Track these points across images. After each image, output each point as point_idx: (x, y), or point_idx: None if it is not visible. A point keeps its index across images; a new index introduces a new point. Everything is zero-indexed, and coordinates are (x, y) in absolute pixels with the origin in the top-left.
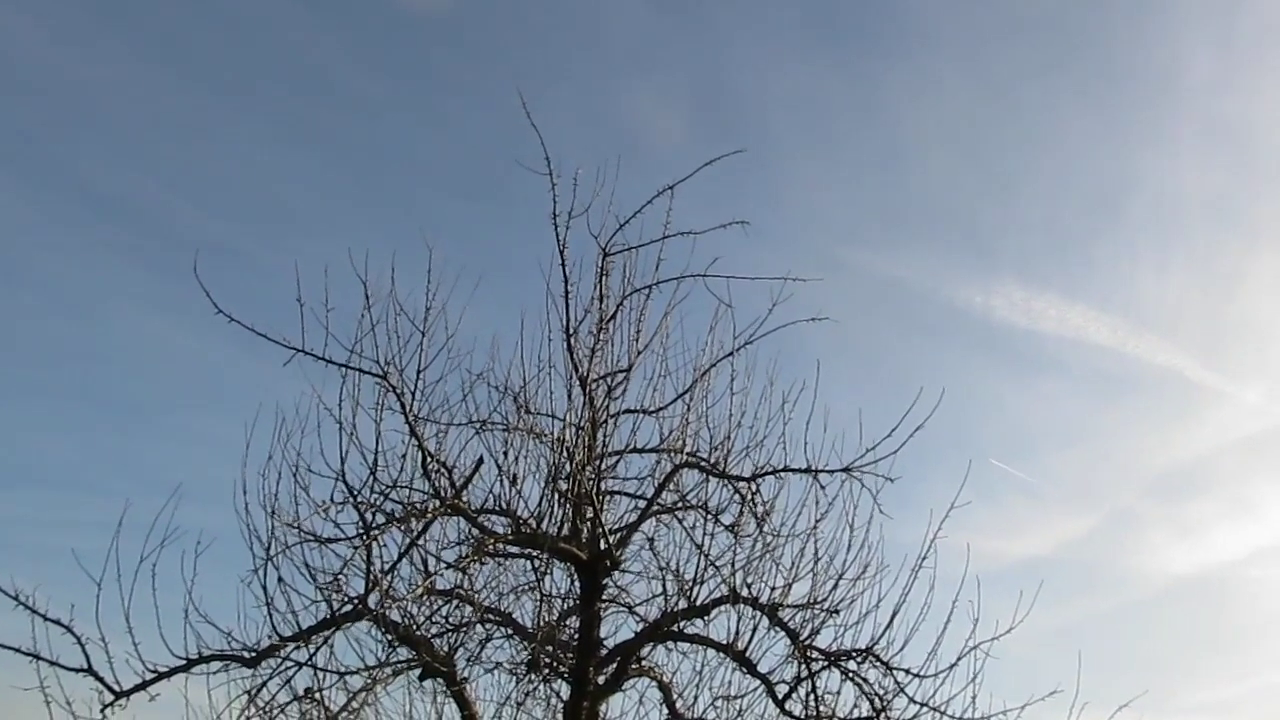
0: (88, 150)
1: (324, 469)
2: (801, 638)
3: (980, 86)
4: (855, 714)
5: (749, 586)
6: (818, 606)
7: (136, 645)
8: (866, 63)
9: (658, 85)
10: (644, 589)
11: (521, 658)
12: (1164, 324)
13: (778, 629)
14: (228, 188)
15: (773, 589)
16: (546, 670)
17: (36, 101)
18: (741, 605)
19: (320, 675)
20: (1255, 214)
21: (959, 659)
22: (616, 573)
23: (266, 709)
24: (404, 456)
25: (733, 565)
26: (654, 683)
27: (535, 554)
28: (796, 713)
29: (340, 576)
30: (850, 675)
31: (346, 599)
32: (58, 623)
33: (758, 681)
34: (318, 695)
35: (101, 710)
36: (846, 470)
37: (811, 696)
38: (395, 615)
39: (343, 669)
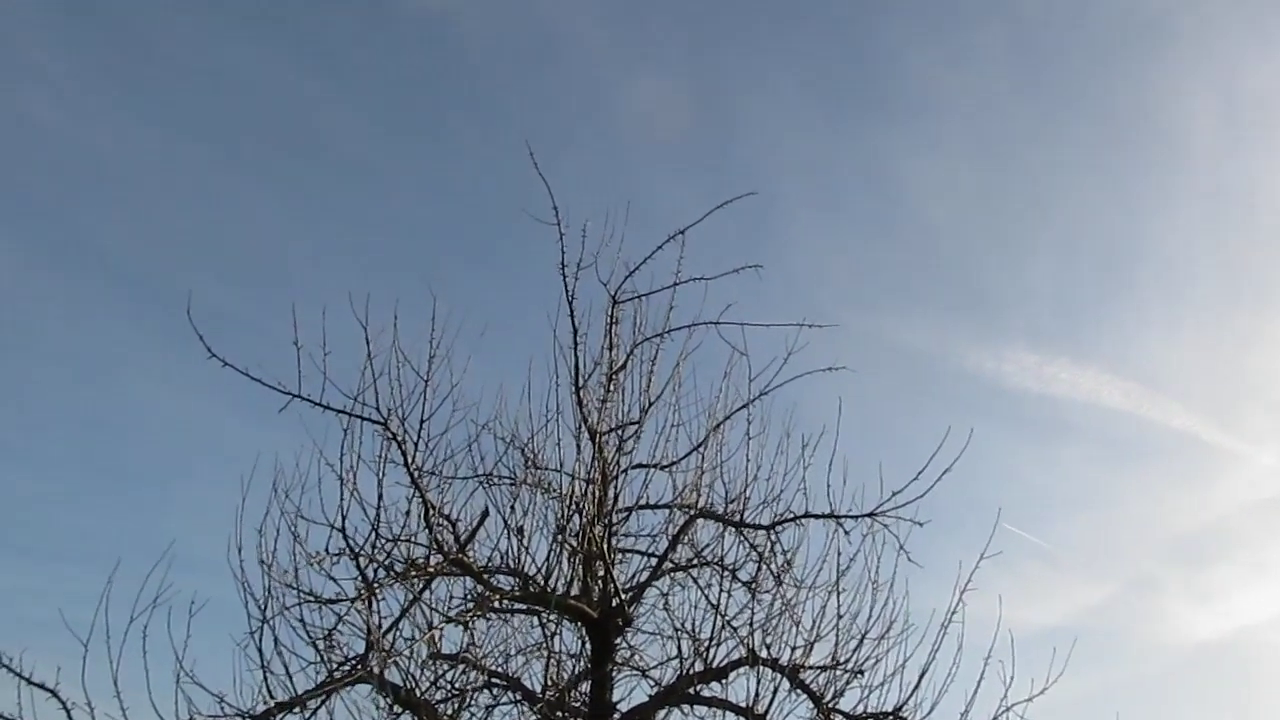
0: (101, 218)
1: (323, 525)
2: (825, 700)
3: (985, 150)
4: None
5: (768, 647)
6: (841, 667)
7: (125, 710)
8: (871, 126)
9: (664, 149)
10: (657, 651)
11: None
12: (1177, 387)
13: (799, 691)
14: (238, 257)
15: (794, 649)
16: None
17: (52, 171)
18: (761, 667)
19: None
20: (1265, 276)
21: None
22: (629, 633)
23: None
24: (407, 513)
25: (751, 625)
26: None
27: (543, 613)
28: None
29: (336, 633)
30: None
31: (345, 660)
32: (42, 686)
33: None
34: None
35: None
36: (871, 515)
37: None
38: (396, 678)
39: None
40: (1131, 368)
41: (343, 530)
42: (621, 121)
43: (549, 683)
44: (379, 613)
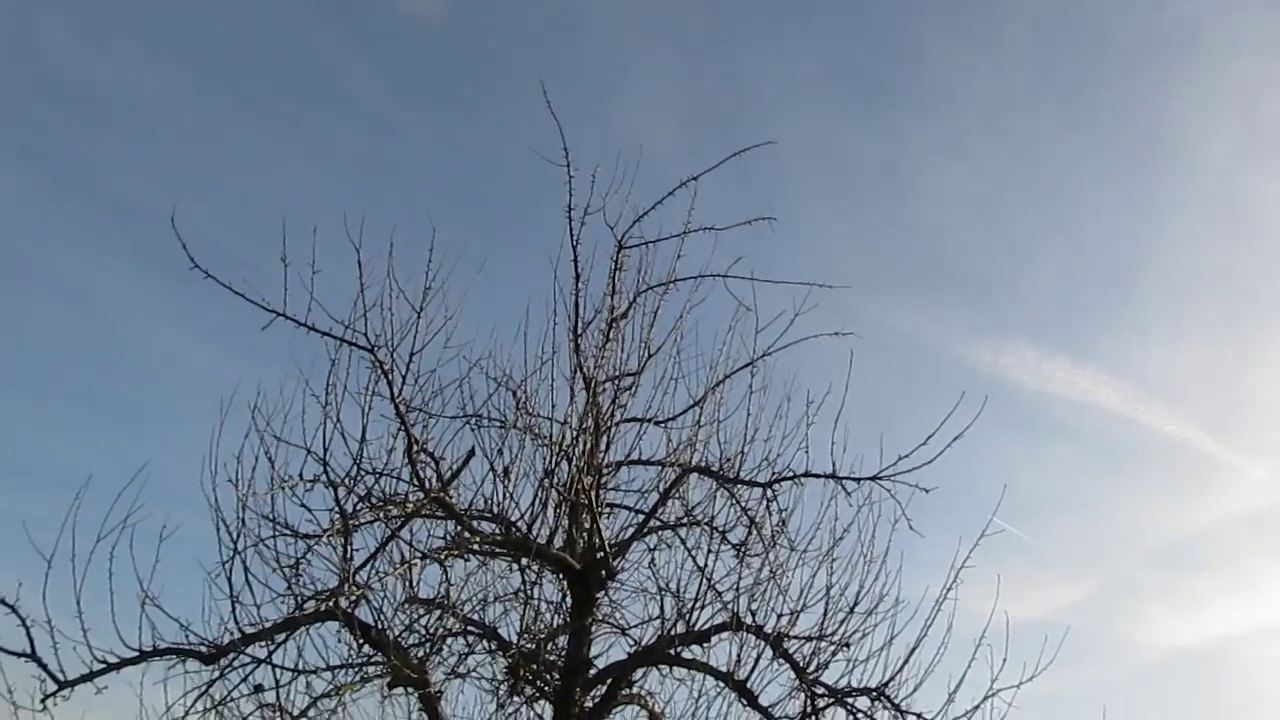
0: (110, 154)
1: (303, 454)
2: (808, 671)
3: (1001, 147)
4: None
5: (753, 613)
6: (827, 639)
7: (86, 632)
8: (888, 117)
9: (680, 133)
10: (639, 610)
11: (503, 675)
12: (1174, 394)
13: (782, 660)
14: (246, 200)
15: (779, 616)
16: (530, 690)
17: (62, 102)
18: (744, 633)
19: (280, 674)
20: (1269, 291)
21: (977, 706)
22: (611, 588)
23: (222, 708)
24: (390, 450)
25: (737, 589)
26: (644, 711)
27: (524, 560)
28: None
29: (305, 564)
30: (858, 715)
31: (315, 594)
32: (2, 601)
33: (759, 715)
34: (271, 692)
35: (42, 700)
36: (874, 479)
37: None
38: (367, 617)
39: (304, 668)
40: (1130, 371)
41: (323, 460)
42: (638, 103)
43: (525, 629)
44: (353, 548)
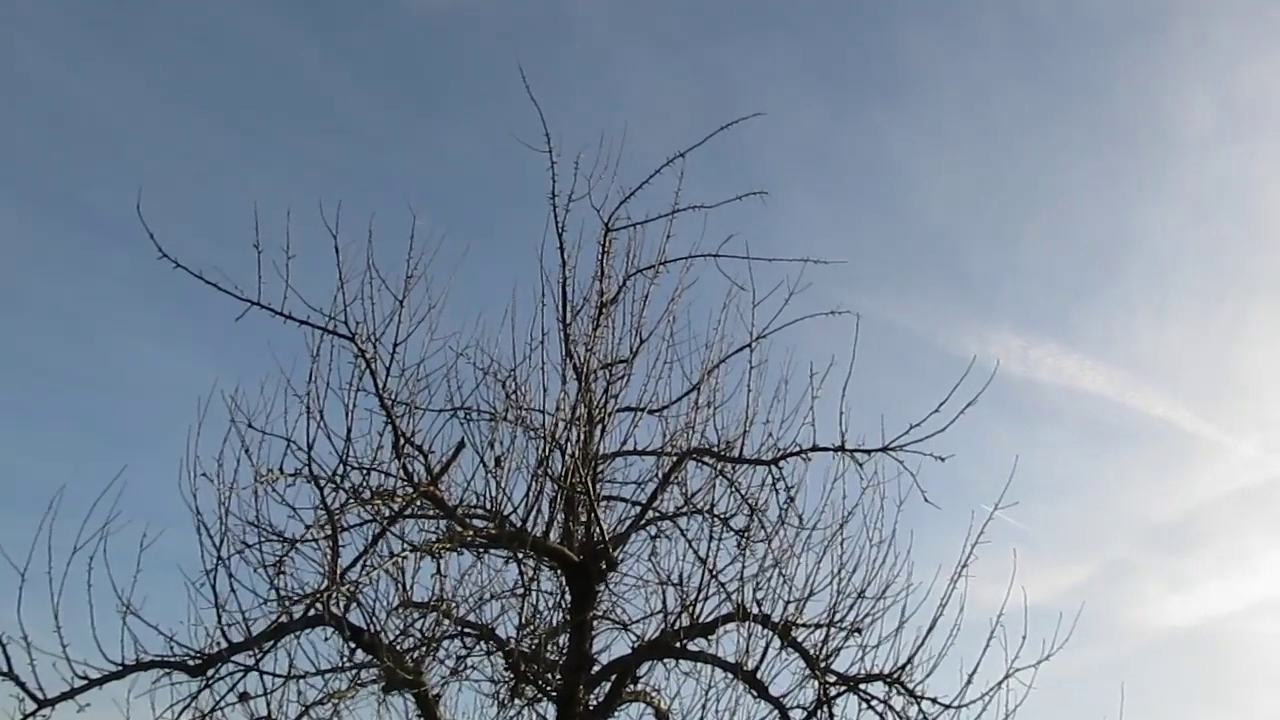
0: (94, 174)
1: (286, 450)
2: (819, 659)
3: (980, 134)
4: None
5: (759, 603)
6: (837, 625)
7: (65, 648)
8: (868, 108)
9: (660, 126)
10: (640, 605)
11: (503, 676)
12: (1161, 375)
13: (791, 649)
14: (229, 215)
15: (787, 603)
16: (531, 690)
17: (45, 123)
18: (751, 623)
19: (270, 682)
20: (1252, 268)
21: (999, 684)
22: (612, 579)
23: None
24: (378, 448)
25: (741, 579)
26: (650, 708)
27: (520, 554)
28: None
29: (290, 563)
30: (871, 703)
31: (302, 596)
32: None
33: (769, 706)
34: (261, 700)
35: None
36: (885, 450)
37: None
38: (359, 620)
39: (294, 674)
40: (1116, 354)
41: (307, 452)
42: (620, 100)
43: (524, 624)
44: (340, 545)
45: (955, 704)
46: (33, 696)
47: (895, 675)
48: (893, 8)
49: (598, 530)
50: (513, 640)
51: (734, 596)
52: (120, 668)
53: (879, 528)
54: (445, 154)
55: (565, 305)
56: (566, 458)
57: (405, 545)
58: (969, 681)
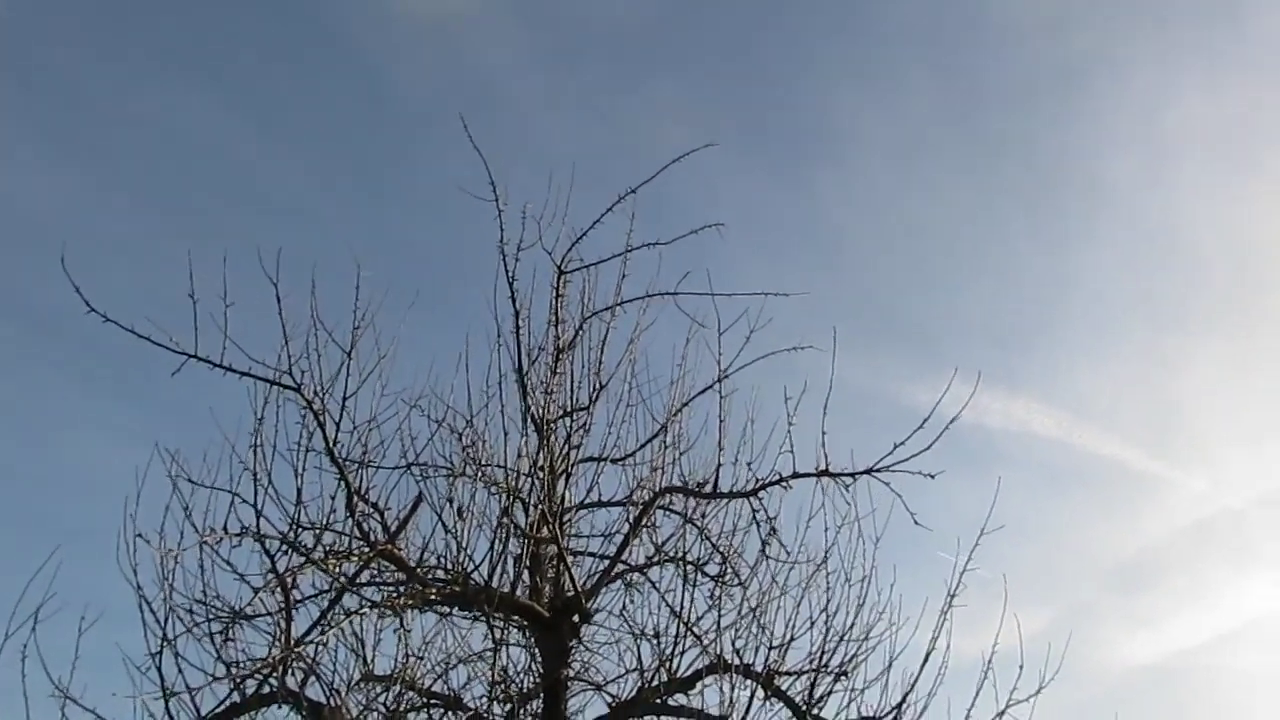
0: (31, 271)
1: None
2: (805, 709)
3: (913, 188)
4: None
5: (738, 652)
6: (822, 671)
7: None
8: (801, 167)
9: (597, 198)
10: (614, 664)
11: None
12: (1105, 416)
13: (776, 699)
14: (173, 306)
15: (770, 649)
16: None
17: None
18: (732, 675)
19: None
20: (1186, 306)
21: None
22: (584, 640)
23: None
24: (330, 513)
25: (718, 629)
26: None
27: (488, 614)
28: None
29: (235, 628)
30: None
31: (255, 669)
32: None
33: None
34: None
35: None
36: (870, 472)
37: None
38: (318, 695)
39: None
40: (1061, 397)
41: (255, 509)
42: (554, 172)
43: (495, 685)
44: (294, 607)
45: None
46: None
47: (893, 717)
48: (820, 68)
49: (569, 581)
50: (482, 706)
51: (711, 648)
52: None
53: (863, 563)
54: (385, 226)
55: (521, 353)
56: (530, 510)
57: (364, 603)
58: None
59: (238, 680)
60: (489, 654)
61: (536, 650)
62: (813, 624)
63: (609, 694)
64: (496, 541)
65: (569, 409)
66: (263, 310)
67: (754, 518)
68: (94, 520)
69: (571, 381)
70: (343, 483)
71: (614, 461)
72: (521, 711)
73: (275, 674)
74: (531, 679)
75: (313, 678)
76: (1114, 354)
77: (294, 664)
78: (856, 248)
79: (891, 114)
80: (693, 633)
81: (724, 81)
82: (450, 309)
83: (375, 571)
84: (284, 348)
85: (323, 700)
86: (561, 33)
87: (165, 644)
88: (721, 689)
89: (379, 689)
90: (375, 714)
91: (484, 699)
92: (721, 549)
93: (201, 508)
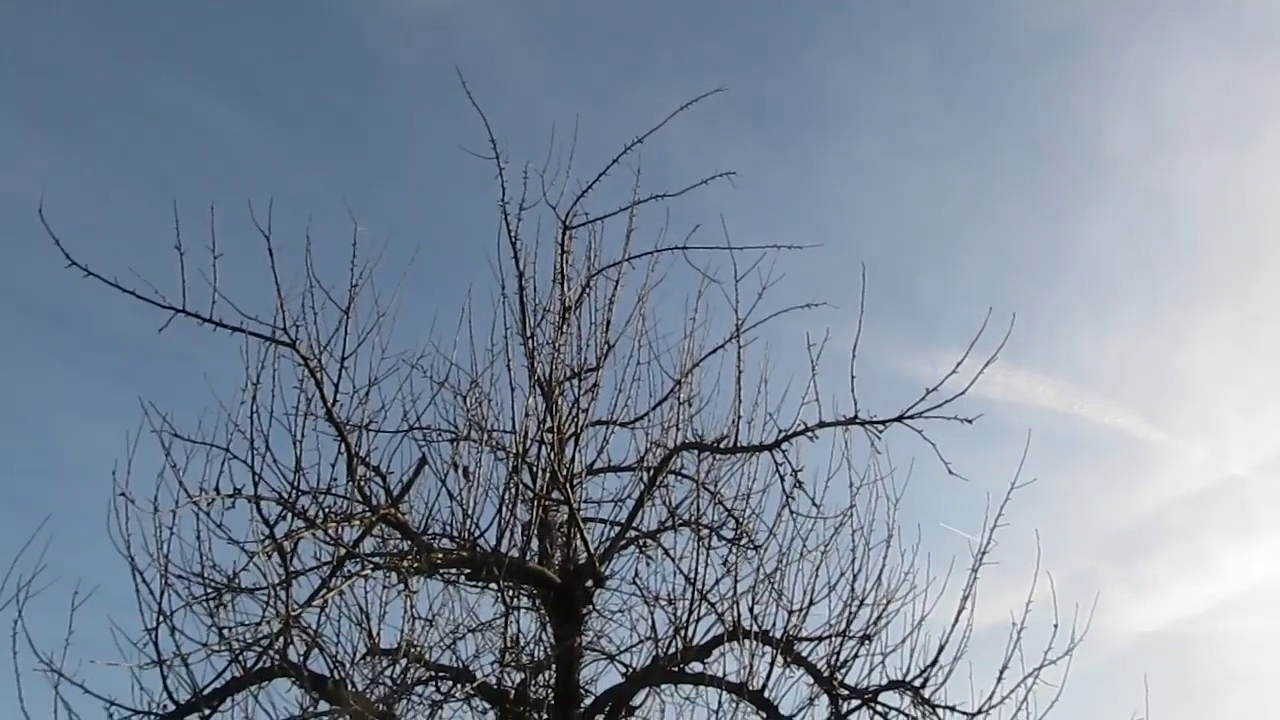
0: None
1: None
2: (828, 674)
3: (910, 162)
4: None
5: (755, 618)
6: (844, 635)
7: None
8: (799, 143)
9: (596, 171)
10: (626, 634)
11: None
12: (1107, 385)
13: (796, 665)
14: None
15: (790, 613)
16: None
17: None
18: (750, 641)
19: None
20: (1185, 275)
21: (1013, 690)
22: (598, 607)
23: None
24: (332, 480)
25: (735, 595)
26: None
27: (498, 582)
28: None
29: (235, 602)
30: (889, 715)
31: (254, 641)
32: None
33: None
34: None
35: None
36: (901, 419)
37: None
38: (321, 667)
39: None
40: (1061, 367)
41: (250, 467)
42: (553, 145)
43: (506, 651)
44: (292, 573)
45: (979, 711)
46: None
47: (921, 681)
48: (818, 44)
49: (581, 545)
50: (493, 677)
51: (727, 615)
52: None
53: (887, 522)
54: (380, 211)
55: (525, 313)
56: (539, 475)
57: (367, 563)
58: (999, 680)
59: (236, 652)
60: (498, 623)
61: (548, 619)
62: (832, 588)
63: (622, 663)
64: (504, 507)
65: (577, 370)
66: (259, 272)
67: (777, 470)
68: (87, 505)
69: (579, 341)
70: (342, 445)
71: (624, 425)
72: (534, 682)
73: (275, 646)
74: (543, 649)
75: (315, 651)
76: (1114, 323)
77: (295, 636)
78: (852, 221)
79: (889, 86)
80: (707, 600)
81: (719, 50)
82: (451, 267)
83: (379, 540)
84: (280, 309)
85: (326, 674)
86: (560, 9)
87: (162, 618)
88: (739, 656)
89: (385, 662)
90: (381, 688)
91: (494, 668)
92: (735, 513)
93: (196, 476)
